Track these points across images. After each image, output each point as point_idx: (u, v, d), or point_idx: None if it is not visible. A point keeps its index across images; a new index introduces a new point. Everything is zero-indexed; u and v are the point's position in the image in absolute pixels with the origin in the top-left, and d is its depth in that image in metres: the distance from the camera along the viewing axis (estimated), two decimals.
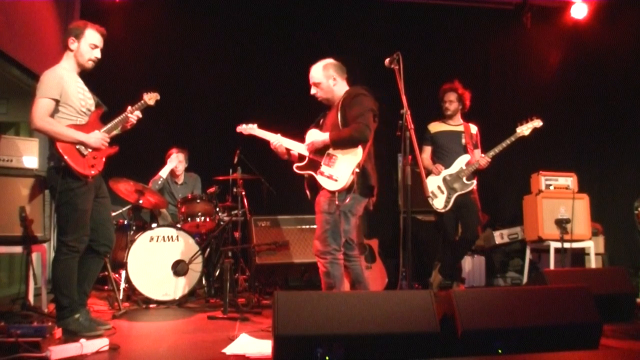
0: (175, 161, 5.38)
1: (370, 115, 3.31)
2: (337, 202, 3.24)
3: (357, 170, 3.25)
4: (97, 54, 3.38)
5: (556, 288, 2.81)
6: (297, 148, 3.52)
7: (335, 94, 3.46)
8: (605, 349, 2.76)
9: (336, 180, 3.29)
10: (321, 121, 3.58)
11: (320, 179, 3.36)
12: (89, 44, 3.33)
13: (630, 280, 3.71)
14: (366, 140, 3.28)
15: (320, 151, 3.41)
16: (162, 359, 2.79)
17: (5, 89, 5.43)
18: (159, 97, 3.67)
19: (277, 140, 3.55)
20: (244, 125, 3.72)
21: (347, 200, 3.25)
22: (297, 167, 3.49)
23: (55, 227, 3.31)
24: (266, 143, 3.61)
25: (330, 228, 3.26)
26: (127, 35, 5.90)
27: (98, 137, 3.29)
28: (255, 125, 3.68)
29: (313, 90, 3.51)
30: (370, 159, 3.41)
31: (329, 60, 3.51)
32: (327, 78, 3.45)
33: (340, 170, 3.30)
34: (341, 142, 3.31)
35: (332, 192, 3.28)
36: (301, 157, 3.53)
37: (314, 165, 3.41)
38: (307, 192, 3.52)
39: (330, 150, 3.37)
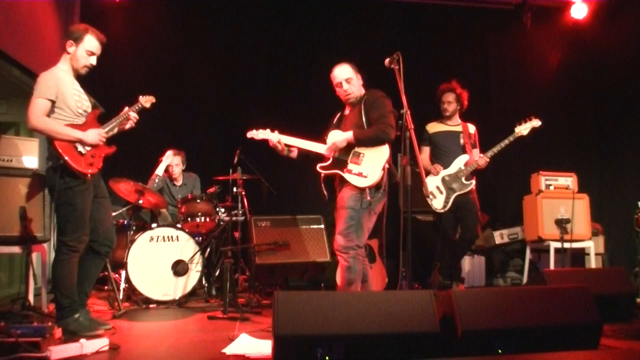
0: (170, 158, 5.36)
1: (392, 117, 3.40)
2: (368, 198, 3.32)
3: (387, 166, 3.37)
4: (93, 61, 3.38)
5: (556, 288, 2.80)
6: (315, 149, 3.56)
7: (359, 93, 3.56)
8: (605, 349, 2.76)
9: (366, 177, 3.36)
10: (336, 121, 3.65)
11: (348, 177, 3.41)
12: (86, 50, 3.33)
13: (630, 280, 3.71)
14: (390, 139, 3.38)
15: (343, 150, 3.47)
16: (162, 359, 2.79)
17: (5, 89, 5.42)
18: (154, 100, 3.68)
19: (276, 137, 3.57)
20: (254, 131, 3.67)
21: (378, 196, 3.35)
22: (321, 167, 3.53)
23: (55, 227, 3.31)
24: (266, 143, 3.60)
25: (355, 224, 3.33)
26: (127, 35, 5.90)
27: (95, 133, 3.30)
28: (267, 130, 3.62)
29: (345, 86, 3.54)
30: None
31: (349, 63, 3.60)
32: (356, 75, 3.57)
33: (370, 166, 3.37)
34: (366, 141, 3.40)
35: (361, 189, 3.34)
36: (322, 157, 3.56)
37: (340, 164, 3.47)
38: (324, 192, 3.57)
39: (357, 149, 3.44)
